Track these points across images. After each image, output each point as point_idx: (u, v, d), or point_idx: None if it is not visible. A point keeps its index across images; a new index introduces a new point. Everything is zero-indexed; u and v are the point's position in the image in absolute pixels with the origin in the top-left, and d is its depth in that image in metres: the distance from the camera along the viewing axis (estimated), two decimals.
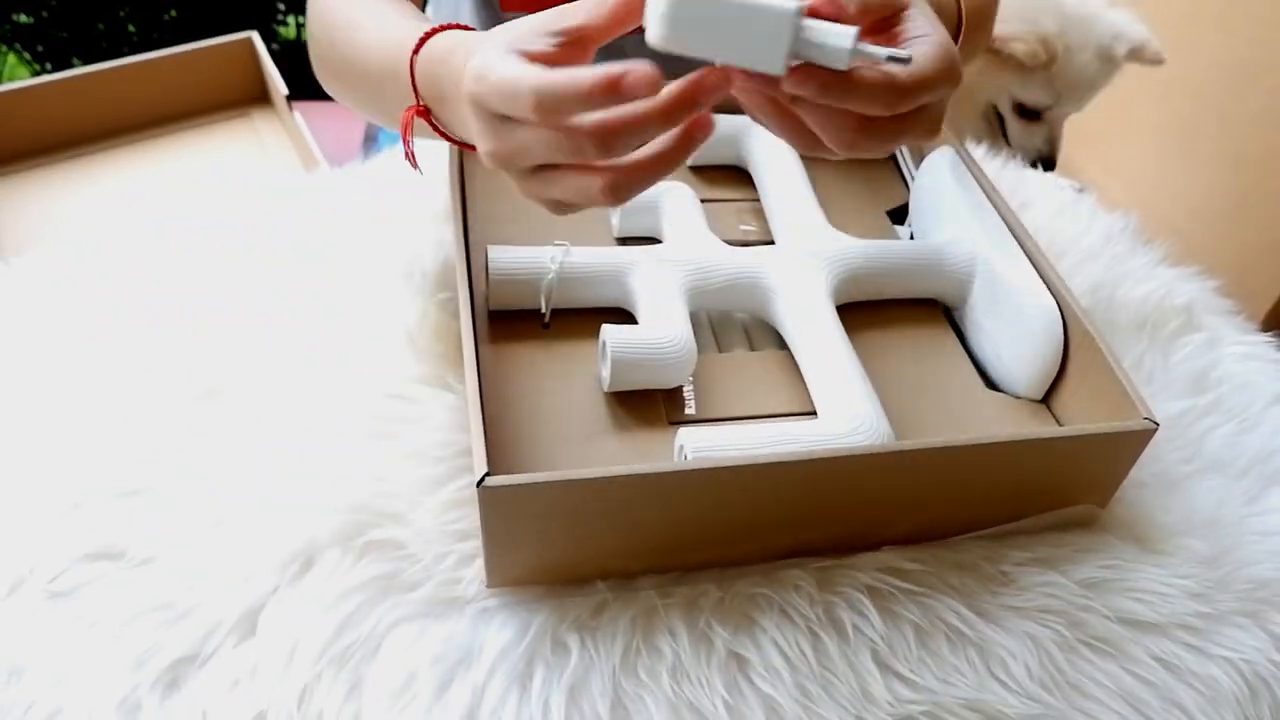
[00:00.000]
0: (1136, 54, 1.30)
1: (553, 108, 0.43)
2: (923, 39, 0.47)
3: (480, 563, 0.54)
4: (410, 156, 0.61)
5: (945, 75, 0.46)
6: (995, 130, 1.45)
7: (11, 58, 1.79)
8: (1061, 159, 1.70)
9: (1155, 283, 0.75)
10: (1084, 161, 1.66)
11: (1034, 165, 1.39)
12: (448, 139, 0.60)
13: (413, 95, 0.58)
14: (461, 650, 0.51)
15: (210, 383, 0.63)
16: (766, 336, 0.66)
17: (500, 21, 0.91)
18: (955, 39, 0.61)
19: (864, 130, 0.46)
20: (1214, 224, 1.42)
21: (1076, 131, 1.65)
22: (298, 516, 0.55)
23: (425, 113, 0.58)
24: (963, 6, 0.68)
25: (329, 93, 0.74)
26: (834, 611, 0.53)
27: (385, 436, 0.60)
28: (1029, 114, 1.38)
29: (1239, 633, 0.55)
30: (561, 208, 0.50)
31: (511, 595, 0.53)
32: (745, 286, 0.64)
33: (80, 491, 0.57)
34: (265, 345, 0.65)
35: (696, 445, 0.53)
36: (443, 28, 0.58)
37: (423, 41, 0.57)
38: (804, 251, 0.66)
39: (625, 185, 0.46)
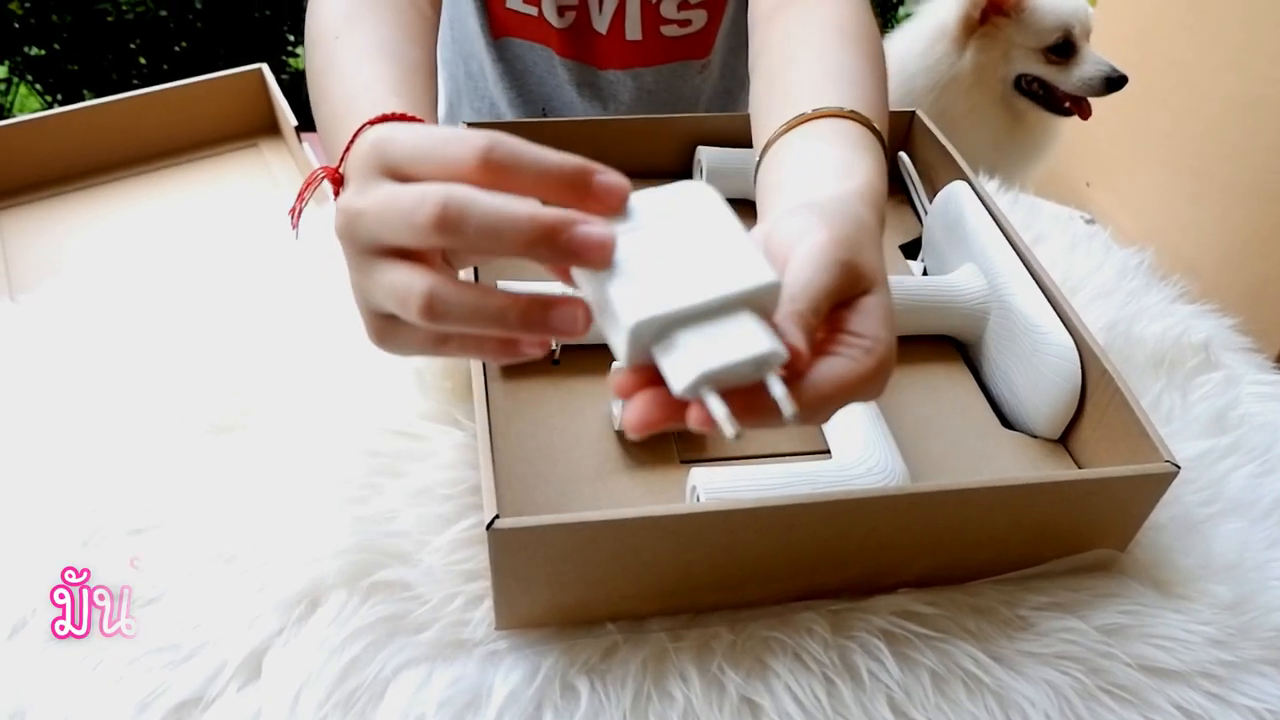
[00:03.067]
0: None
1: (442, 312, 0.37)
2: (863, 345, 0.40)
3: (489, 604, 0.53)
4: (295, 214, 0.56)
5: (869, 389, 0.40)
6: (1030, 106, 1.42)
7: (23, 89, 1.80)
8: (1073, 190, 1.69)
9: (1172, 319, 0.74)
10: (1096, 195, 1.66)
11: (1110, 89, 1.37)
12: None
13: (339, 159, 0.52)
14: (470, 694, 0.50)
15: (217, 420, 0.62)
16: None
17: (494, 46, 0.91)
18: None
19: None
20: (1226, 258, 1.41)
21: (1090, 165, 1.65)
22: (304, 556, 0.55)
23: (338, 182, 0.53)
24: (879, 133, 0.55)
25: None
26: (849, 656, 0.52)
27: (393, 474, 0.59)
28: (1061, 51, 1.37)
29: (1263, 681, 0.54)
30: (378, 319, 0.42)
31: (520, 637, 0.52)
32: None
33: (87, 530, 0.56)
34: (272, 381, 0.65)
35: (708, 486, 0.52)
36: (396, 117, 0.51)
37: (379, 120, 0.51)
38: None
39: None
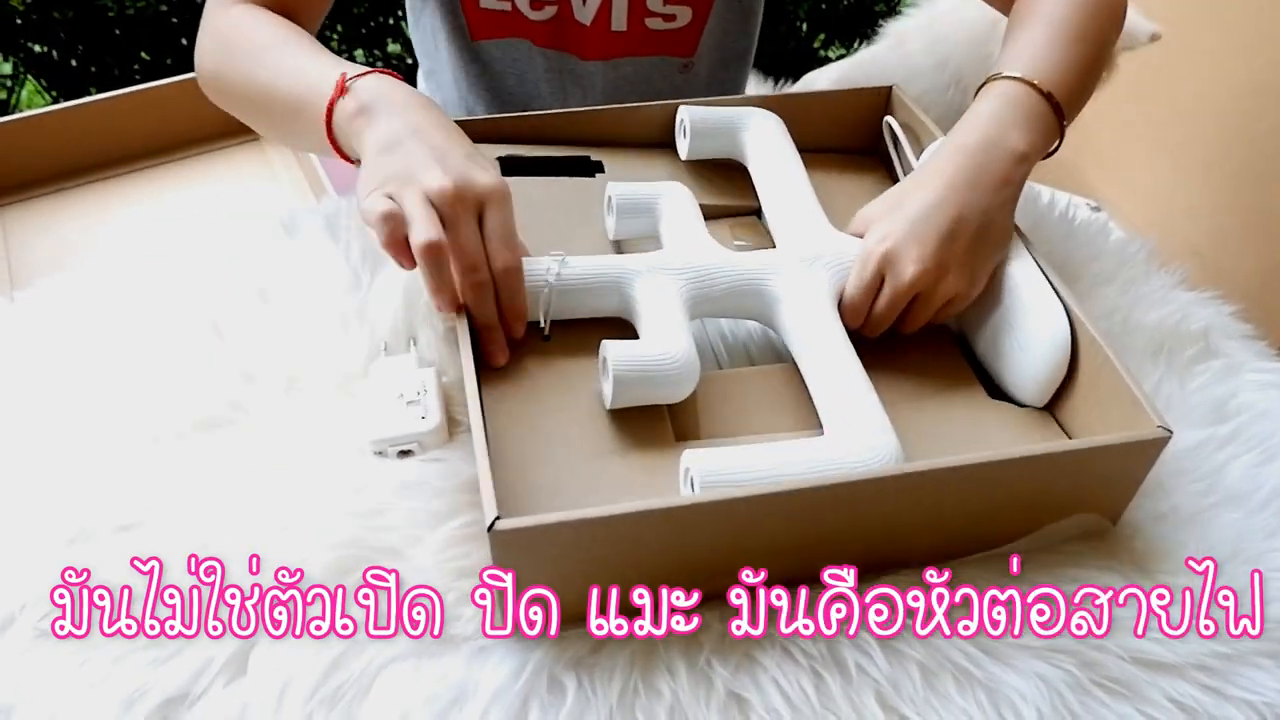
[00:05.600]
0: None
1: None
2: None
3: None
4: (328, 122, 0.66)
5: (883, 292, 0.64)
6: None
7: (30, 86, 1.80)
8: (1078, 177, 1.68)
9: (1171, 307, 0.73)
10: (1102, 181, 1.64)
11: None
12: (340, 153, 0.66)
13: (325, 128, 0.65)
14: (456, 690, 0.50)
15: (207, 414, 0.62)
16: (770, 354, 0.66)
17: (469, 50, 0.91)
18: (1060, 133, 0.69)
19: None
20: (1233, 245, 1.40)
21: (1095, 150, 1.63)
22: (292, 553, 0.55)
23: (344, 90, 0.64)
24: (1052, 95, 0.67)
25: (217, 103, 0.78)
26: (837, 650, 0.52)
27: (384, 468, 0.59)
28: None
29: (1259, 674, 0.53)
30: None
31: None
32: (747, 293, 0.63)
33: (75, 527, 0.56)
34: (264, 375, 0.64)
35: (702, 469, 0.52)
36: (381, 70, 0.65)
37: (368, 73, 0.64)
38: (805, 254, 0.65)
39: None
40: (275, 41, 0.72)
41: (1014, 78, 0.67)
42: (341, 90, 0.63)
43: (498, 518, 0.47)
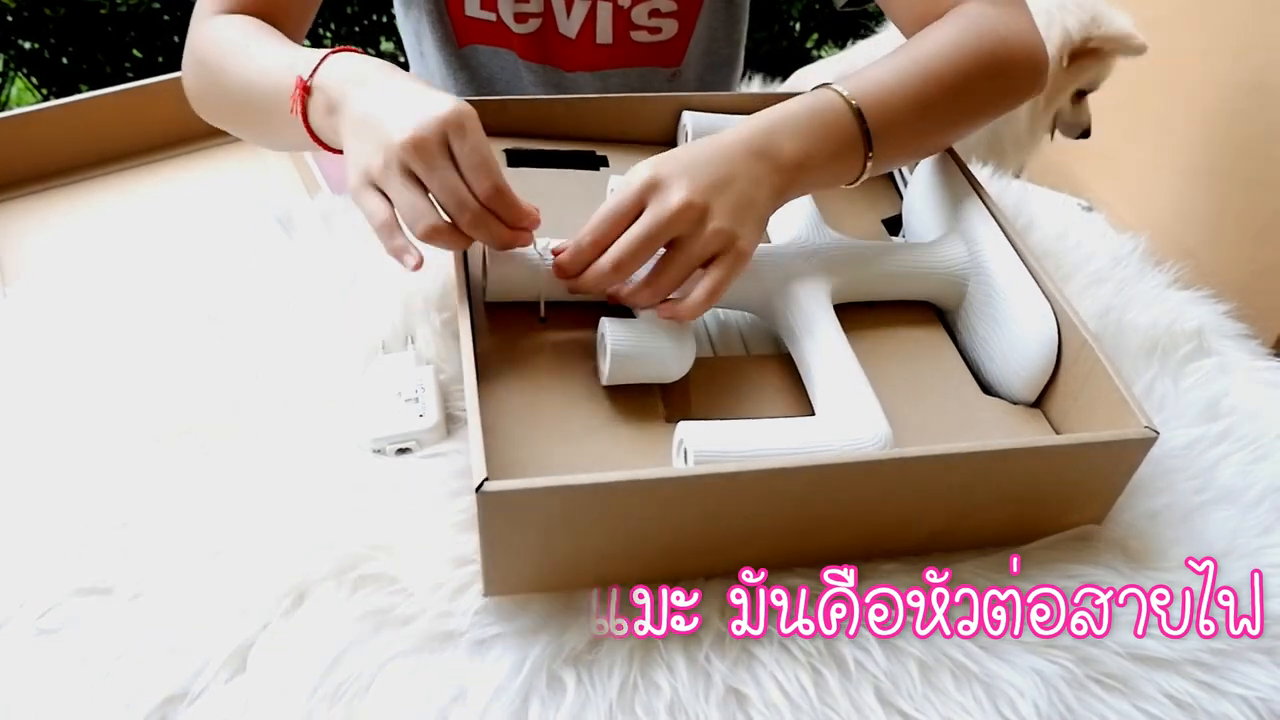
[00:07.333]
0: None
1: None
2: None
3: (475, 591, 0.53)
4: (294, 107, 0.63)
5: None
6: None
7: (20, 83, 1.80)
8: (1071, 178, 1.69)
9: (1165, 306, 0.74)
10: (1094, 181, 1.65)
11: (1081, 136, 1.49)
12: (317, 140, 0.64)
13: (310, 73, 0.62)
14: (456, 687, 0.50)
15: (204, 413, 0.62)
16: (763, 344, 0.66)
17: (458, 55, 0.91)
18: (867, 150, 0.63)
19: None
20: (1225, 244, 1.40)
21: (1087, 151, 1.64)
22: (290, 550, 0.55)
23: (306, 90, 0.62)
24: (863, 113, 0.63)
25: (211, 123, 0.77)
26: (835, 646, 0.52)
27: (383, 466, 0.59)
28: (1080, 95, 1.46)
29: (1254, 669, 0.53)
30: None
31: (507, 624, 0.52)
32: (742, 280, 0.63)
33: (72, 525, 0.56)
34: (262, 374, 0.64)
35: (696, 440, 0.52)
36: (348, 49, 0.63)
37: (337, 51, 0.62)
38: (801, 248, 0.66)
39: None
40: (238, 46, 0.69)
41: (830, 86, 0.64)
42: (304, 91, 0.61)
43: (485, 479, 0.47)
